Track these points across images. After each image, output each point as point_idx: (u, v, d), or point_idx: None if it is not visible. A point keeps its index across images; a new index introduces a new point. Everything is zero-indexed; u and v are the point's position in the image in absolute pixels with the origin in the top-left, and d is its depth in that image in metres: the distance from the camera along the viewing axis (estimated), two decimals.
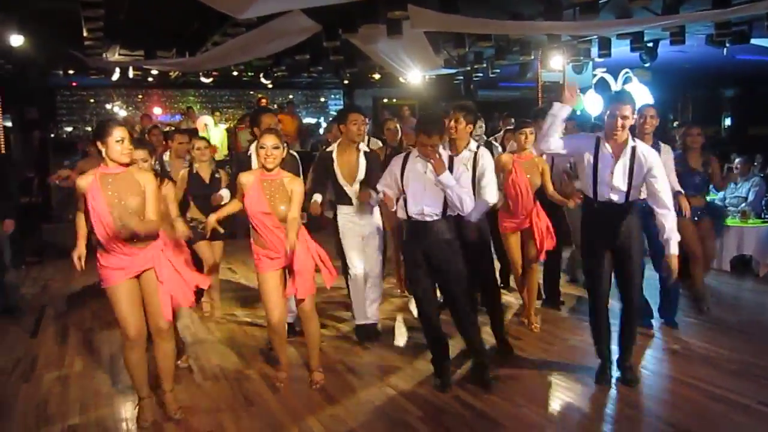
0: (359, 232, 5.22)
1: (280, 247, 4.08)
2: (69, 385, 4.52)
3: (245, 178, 4.13)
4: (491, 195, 4.48)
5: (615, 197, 4.11)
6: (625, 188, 4.07)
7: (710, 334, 5.33)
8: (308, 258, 4.20)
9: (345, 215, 5.23)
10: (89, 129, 14.27)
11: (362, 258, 5.24)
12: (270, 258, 4.14)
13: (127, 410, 4.09)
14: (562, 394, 4.22)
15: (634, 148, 4.07)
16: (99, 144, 3.65)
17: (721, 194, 8.10)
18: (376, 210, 5.23)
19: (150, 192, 3.73)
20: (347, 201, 5.19)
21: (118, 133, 3.62)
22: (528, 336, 5.31)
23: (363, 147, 5.24)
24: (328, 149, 5.36)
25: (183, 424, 3.89)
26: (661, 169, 4.04)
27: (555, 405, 4.09)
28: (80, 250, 3.83)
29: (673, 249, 4.00)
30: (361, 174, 5.14)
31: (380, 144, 6.58)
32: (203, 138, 5.95)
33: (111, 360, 4.99)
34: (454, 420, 3.86)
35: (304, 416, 3.95)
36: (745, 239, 7.36)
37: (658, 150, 4.87)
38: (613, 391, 4.23)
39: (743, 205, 7.72)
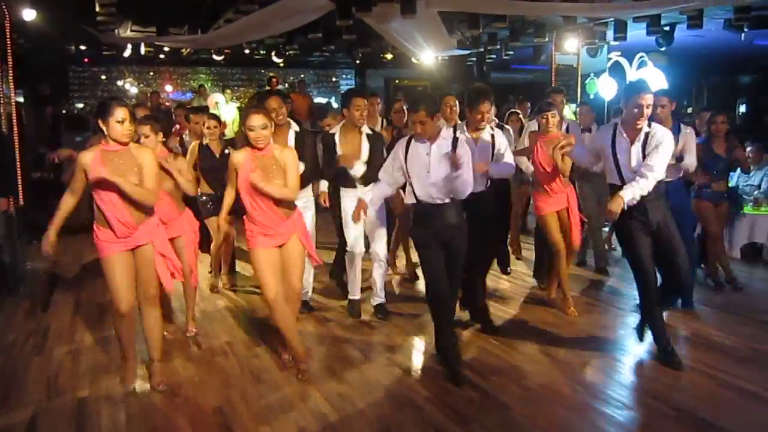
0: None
1: (274, 224, 4.04)
2: (79, 359, 4.56)
3: (237, 158, 4.06)
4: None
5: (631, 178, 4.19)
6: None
7: (720, 320, 5.31)
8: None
9: (349, 197, 5.18)
10: None
11: (363, 239, 5.29)
12: (264, 235, 4.05)
13: (137, 383, 4.12)
14: (570, 377, 4.22)
15: (647, 132, 4.14)
16: (100, 122, 3.76)
17: (734, 182, 8.03)
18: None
19: (147, 167, 3.84)
20: (350, 184, 5.18)
21: (120, 113, 3.72)
22: (536, 319, 5.30)
23: (366, 129, 5.21)
24: (331, 131, 5.35)
25: (192, 400, 3.93)
26: (665, 148, 4.09)
27: (562, 388, 4.09)
28: (51, 236, 3.84)
29: (624, 194, 4.04)
30: (364, 156, 5.13)
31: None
32: (214, 116, 5.97)
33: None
34: (462, 400, 3.87)
35: (311, 394, 3.98)
36: (757, 227, 7.31)
37: (678, 132, 5.14)
38: (621, 375, 4.24)
39: (756, 192, 7.65)
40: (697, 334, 4.99)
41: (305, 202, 4.99)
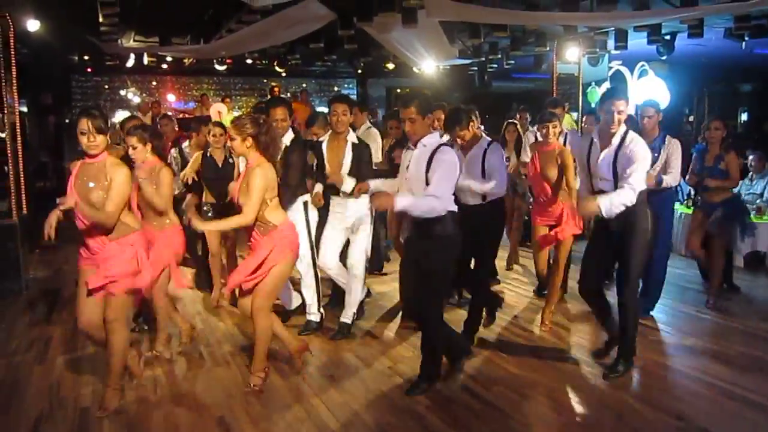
0: (344, 223, 5.17)
1: (253, 238, 4.09)
2: (81, 368, 4.56)
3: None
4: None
5: (604, 187, 4.20)
6: (610, 177, 4.15)
7: (723, 330, 5.30)
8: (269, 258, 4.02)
9: (333, 206, 5.20)
10: None
11: (334, 251, 5.19)
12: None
13: (138, 394, 4.12)
14: (571, 387, 4.22)
15: (622, 138, 4.15)
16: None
17: (735, 190, 8.01)
18: (365, 204, 5.03)
19: (115, 186, 3.66)
20: (334, 191, 5.13)
21: (81, 125, 3.63)
22: (536, 327, 5.30)
23: (351, 138, 5.10)
24: (320, 139, 5.31)
25: (194, 410, 3.93)
26: (641, 159, 4.05)
27: (564, 398, 4.08)
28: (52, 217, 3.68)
29: (602, 203, 3.91)
30: (347, 166, 5.02)
31: (378, 137, 6.53)
32: (219, 124, 5.99)
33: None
34: (462, 410, 3.87)
35: (313, 404, 3.98)
36: (760, 235, 7.28)
37: (663, 143, 5.26)
38: (623, 385, 4.22)
39: (758, 201, 7.64)
40: (700, 343, 4.98)
41: (293, 212, 4.86)
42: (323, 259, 5.17)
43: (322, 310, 5.31)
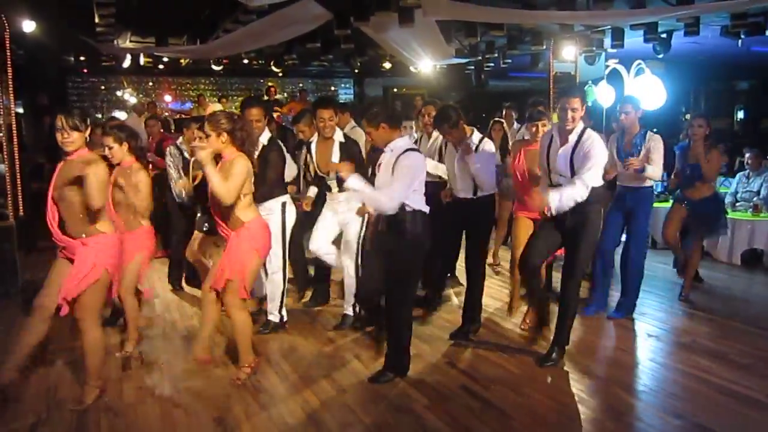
0: (338, 219, 5.26)
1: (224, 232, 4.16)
2: (79, 371, 4.53)
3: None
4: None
5: (562, 183, 4.30)
6: (567, 173, 4.26)
7: (720, 327, 5.31)
8: (240, 255, 4.08)
9: (328, 202, 5.32)
10: (99, 116, 14.33)
11: (326, 237, 5.30)
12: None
13: (136, 395, 4.11)
14: (569, 385, 4.22)
15: (580, 135, 4.27)
16: None
17: (733, 188, 8.04)
18: (355, 205, 5.15)
19: (89, 181, 3.61)
20: (329, 189, 5.27)
21: (57, 121, 3.73)
22: (534, 327, 5.29)
23: (339, 137, 5.22)
24: (309, 140, 5.38)
25: (192, 410, 3.92)
26: (596, 156, 4.17)
27: (561, 396, 4.08)
28: None
29: (551, 198, 4.07)
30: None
31: (362, 136, 6.55)
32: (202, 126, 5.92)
33: (120, 346, 5.01)
34: (461, 409, 3.86)
35: (312, 403, 3.97)
36: (757, 233, 7.32)
37: (644, 139, 5.33)
38: (621, 384, 4.23)
39: (755, 198, 7.66)
40: (697, 341, 4.99)
41: (269, 212, 4.89)
42: (315, 243, 5.30)
43: (284, 311, 5.29)
